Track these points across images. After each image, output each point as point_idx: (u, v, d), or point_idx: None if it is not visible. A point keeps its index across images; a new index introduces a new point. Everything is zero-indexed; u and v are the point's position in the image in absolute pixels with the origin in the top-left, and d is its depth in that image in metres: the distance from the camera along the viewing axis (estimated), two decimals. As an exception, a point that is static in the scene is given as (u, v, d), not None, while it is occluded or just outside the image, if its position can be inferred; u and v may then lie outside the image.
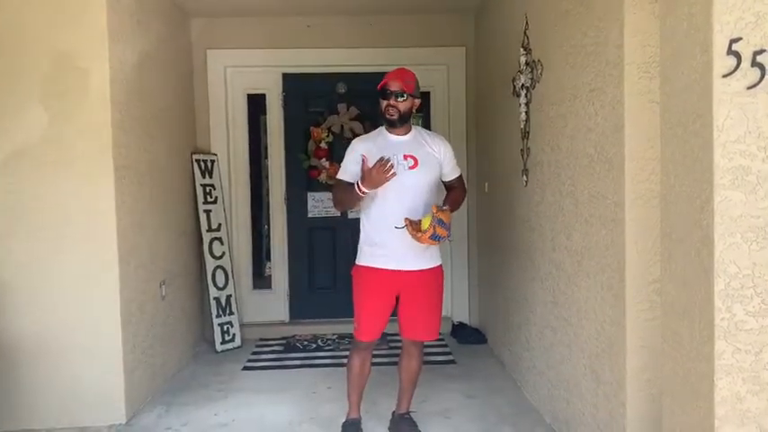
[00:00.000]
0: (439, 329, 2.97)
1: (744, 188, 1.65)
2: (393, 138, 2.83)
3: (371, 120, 4.93)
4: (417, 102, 2.86)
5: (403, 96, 2.76)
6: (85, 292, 3.20)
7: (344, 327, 4.60)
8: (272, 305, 5.16)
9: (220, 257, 4.73)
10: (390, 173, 2.64)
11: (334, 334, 4.87)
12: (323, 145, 5.10)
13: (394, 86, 2.76)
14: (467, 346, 4.62)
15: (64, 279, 3.19)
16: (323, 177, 5.10)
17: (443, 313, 3.04)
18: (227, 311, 4.71)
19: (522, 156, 3.52)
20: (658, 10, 2.05)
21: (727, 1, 1.63)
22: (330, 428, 3.13)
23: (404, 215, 2.70)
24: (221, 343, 4.61)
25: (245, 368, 4.21)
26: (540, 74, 3.20)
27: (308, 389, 3.75)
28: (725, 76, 1.64)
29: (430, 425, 3.17)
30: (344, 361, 3.19)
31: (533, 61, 3.30)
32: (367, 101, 4.80)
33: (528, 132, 3.44)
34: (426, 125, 4.97)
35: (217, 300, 4.65)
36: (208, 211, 4.68)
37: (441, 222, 2.60)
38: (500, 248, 4.16)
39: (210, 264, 4.65)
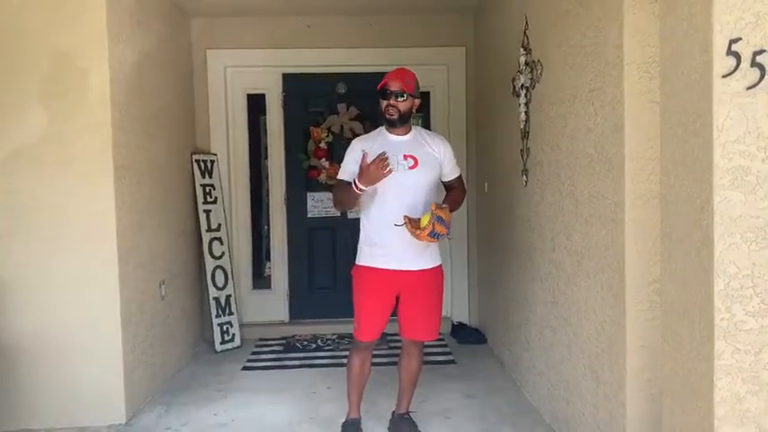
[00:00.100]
0: (439, 329, 2.97)
1: (743, 188, 1.65)
2: (393, 138, 2.83)
3: (371, 120, 4.93)
4: (417, 102, 2.86)
5: (403, 96, 2.76)
6: (85, 292, 3.20)
7: (344, 327, 4.60)
8: (272, 305, 5.16)
9: (220, 257, 4.73)
10: (387, 169, 2.64)
11: (333, 334, 4.87)
12: (323, 145, 5.10)
13: (394, 86, 2.76)
14: (466, 346, 4.62)
15: (63, 279, 3.18)
16: (323, 177, 5.10)
17: (443, 313, 3.03)
18: (227, 311, 4.71)
19: (522, 156, 3.52)
20: (658, 10, 2.05)
21: (726, 1, 1.63)
22: (330, 428, 3.13)
23: (404, 215, 2.70)
24: (221, 343, 4.61)
25: (245, 368, 4.21)
26: (540, 74, 3.20)
27: (307, 389, 3.75)
28: (725, 76, 1.64)
29: (430, 425, 3.17)
30: (344, 361, 3.19)
31: (533, 61, 3.30)
32: (367, 101, 4.80)
33: (528, 132, 3.44)
34: (426, 125, 4.97)
35: (216, 300, 4.65)
36: (207, 211, 4.68)
37: (440, 220, 2.59)
38: (500, 248, 4.16)
39: (210, 264, 4.65)
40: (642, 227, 2.25)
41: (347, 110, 5.11)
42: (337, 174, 2.91)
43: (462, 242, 5.05)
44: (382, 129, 2.88)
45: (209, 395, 3.69)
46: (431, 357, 4.09)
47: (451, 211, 2.79)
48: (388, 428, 3.11)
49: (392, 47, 4.82)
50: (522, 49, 3.43)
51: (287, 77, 5.04)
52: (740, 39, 1.63)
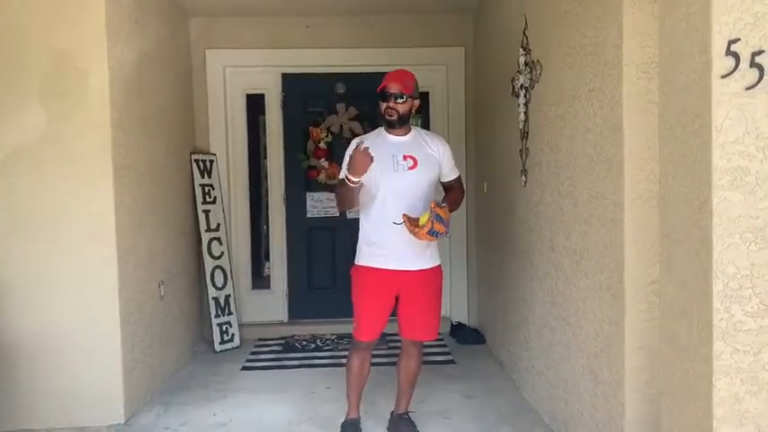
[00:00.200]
0: (438, 329, 2.97)
1: (742, 189, 1.65)
2: (392, 138, 2.84)
3: (370, 120, 4.94)
4: (416, 103, 2.86)
5: (402, 98, 2.76)
6: (84, 292, 3.20)
7: (343, 327, 4.60)
8: (271, 305, 5.15)
9: (219, 257, 4.73)
10: (370, 157, 2.61)
11: (333, 334, 4.87)
12: (322, 145, 5.10)
13: (393, 89, 2.76)
14: (466, 347, 4.62)
15: (62, 279, 3.18)
16: (322, 177, 5.10)
17: (442, 313, 3.04)
18: (226, 311, 4.71)
19: (521, 156, 3.52)
20: (657, 10, 2.05)
21: (725, 1, 1.63)
22: (329, 428, 3.13)
23: (402, 213, 2.70)
24: (220, 343, 4.61)
25: (244, 368, 4.21)
26: (539, 74, 3.20)
27: (306, 389, 3.75)
28: (723, 76, 1.64)
29: (429, 425, 3.17)
30: (343, 361, 3.20)
31: (532, 61, 3.30)
32: (366, 101, 4.81)
33: (527, 132, 3.44)
34: (426, 125, 4.97)
35: (215, 300, 4.65)
36: (207, 211, 4.68)
37: (439, 218, 2.59)
38: (499, 249, 4.16)
39: (209, 264, 4.64)
40: (641, 227, 2.25)
41: (346, 110, 5.11)
42: (337, 174, 2.91)
43: (461, 242, 5.05)
44: (381, 129, 2.88)
45: (207, 395, 3.69)
46: (430, 357, 4.09)
47: (450, 211, 2.79)
48: (388, 428, 3.11)
49: (391, 47, 4.82)
50: (521, 50, 3.43)
51: (286, 77, 5.04)
52: (739, 39, 1.63)
